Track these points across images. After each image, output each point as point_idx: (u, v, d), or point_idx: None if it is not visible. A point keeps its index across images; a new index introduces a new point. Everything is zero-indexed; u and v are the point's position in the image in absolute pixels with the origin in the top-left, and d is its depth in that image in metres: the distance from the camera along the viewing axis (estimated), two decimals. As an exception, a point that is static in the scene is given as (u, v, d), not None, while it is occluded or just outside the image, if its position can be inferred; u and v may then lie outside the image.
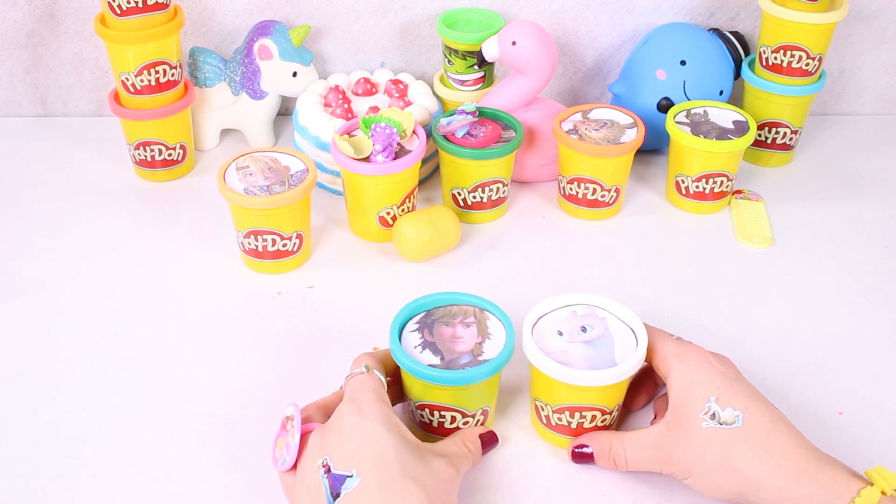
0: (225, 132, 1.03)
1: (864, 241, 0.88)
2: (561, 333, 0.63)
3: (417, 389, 0.62)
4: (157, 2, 0.88)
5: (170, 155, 0.95)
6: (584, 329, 0.63)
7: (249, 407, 0.68)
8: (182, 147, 0.95)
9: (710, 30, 1.00)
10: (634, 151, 0.88)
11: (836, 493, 0.52)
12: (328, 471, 0.53)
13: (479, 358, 0.61)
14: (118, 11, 0.87)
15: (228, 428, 0.66)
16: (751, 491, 0.55)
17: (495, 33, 0.92)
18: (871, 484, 0.52)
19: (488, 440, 0.63)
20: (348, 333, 0.75)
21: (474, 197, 0.88)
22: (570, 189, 0.89)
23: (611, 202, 0.89)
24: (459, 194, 0.88)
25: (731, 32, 1.00)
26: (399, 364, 0.62)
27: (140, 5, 0.87)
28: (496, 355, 0.61)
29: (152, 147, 0.93)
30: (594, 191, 0.88)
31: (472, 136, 0.86)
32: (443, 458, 0.57)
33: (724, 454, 0.55)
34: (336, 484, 0.53)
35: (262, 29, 0.96)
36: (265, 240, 0.80)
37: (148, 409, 0.68)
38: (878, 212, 0.92)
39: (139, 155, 0.94)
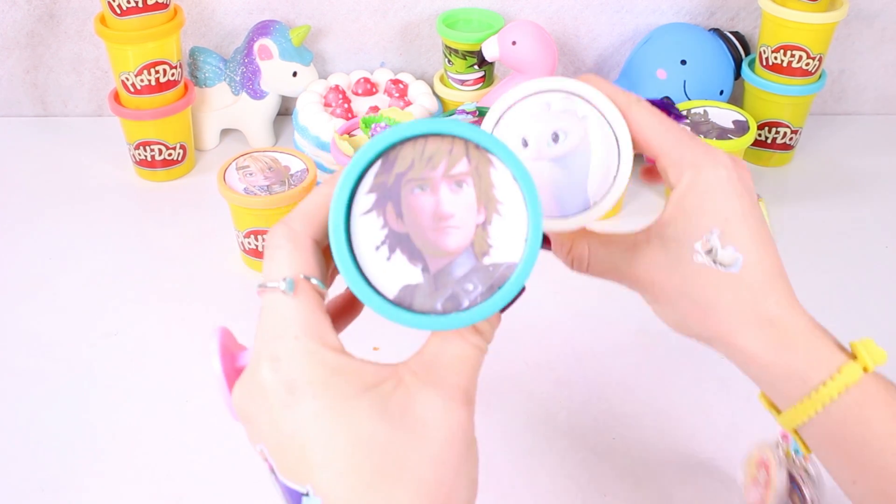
0: (225, 132, 1.03)
1: (864, 241, 0.88)
2: (526, 143, 0.45)
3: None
4: (157, 2, 0.88)
5: (170, 155, 0.95)
6: (555, 137, 0.45)
7: (249, 407, 0.68)
8: (182, 147, 0.95)
9: (710, 30, 1.00)
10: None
11: (814, 367, 0.44)
12: (272, 470, 0.35)
13: (486, 261, 0.36)
14: (118, 11, 0.87)
15: (228, 428, 0.66)
16: (720, 342, 0.46)
17: (495, 33, 0.92)
18: (854, 358, 0.44)
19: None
20: (347, 333, 0.75)
21: (474, 197, 0.88)
22: (570, 189, 0.89)
23: (611, 202, 0.89)
24: (459, 194, 0.88)
25: (731, 32, 1.00)
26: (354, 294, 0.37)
27: (140, 5, 0.87)
28: (518, 257, 0.36)
29: (152, 147, 0.93)
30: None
31: (472, 135, 0.86)
32: (436, 394, 0.35)
33: (705, 296, 0.45)
34: (291, 499, 0.35)
35: (262, 29, 0.96)
36: (265, 240, 0.79)
37: (148, 409, 0.68)
38: (878, 212, 0.92)
39: (139, 155, 0.94)
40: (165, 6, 0.89)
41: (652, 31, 0.98)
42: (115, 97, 0.93)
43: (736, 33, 1.00)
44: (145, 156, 0.94)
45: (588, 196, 0.45)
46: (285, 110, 1.05)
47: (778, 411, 0.46)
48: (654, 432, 0.67)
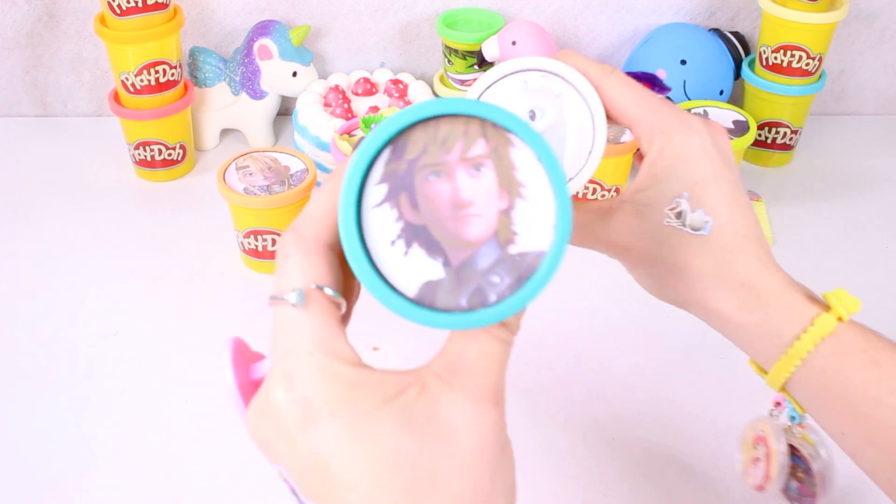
0: (225, 132, 1.03)
1: (864, 241, 0.88)
2: None
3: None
4: (156, 2, 0.88)
5: (170, 155, 0.95)
6: (532, 115, 0.45)
7: (249, 407, 0.68)
8: (182, 147, 0.95)
9: (710, 30, 1.00)
10: (634, 151, 0.88)
11: (788, 322, 0.43)
12: (294, 492, 0.33)
13: (511, 250, 0.33)
14: (118, 11, 0.87)
15: (228, 428, 0.66)
16: (695, 306, 0.45)
17: (495, 33, 0.92)
18: (829, 310, 0.43)
19: None
20: (348, 333, 0.75)
21: (474, 197, 0.88)
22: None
23: (611, 202, 0.89)
24: (459, 194, 0.88)
25: (731, 32, 1.00)
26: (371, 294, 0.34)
27: (140, 5, 0.87)
28: (548, 245, 0.33)
29: (152, 147, 0.93)
30: (594, 191, 0.88)
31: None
32: (462, 397, 0.33)
33: (677, 260, 0.45)
34: None
35: (262, 29, 0.96)
36: (265, 240, 0.79)
37: (148, 409, 0.68)
38: (878, 212, 0.92)
39: (139, 155, 0.94)
40: (165, 6, 0.89)
41: (652, 31, 0.98)
42: (115, 97, 0.93)
43: (736, 33, 1.00)
44: (145, 156, 0.94)
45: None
46: (285, 110, 1.05)
47: (764, 372, 0.46)
48: (654, 432, 0.67)
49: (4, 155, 1.00)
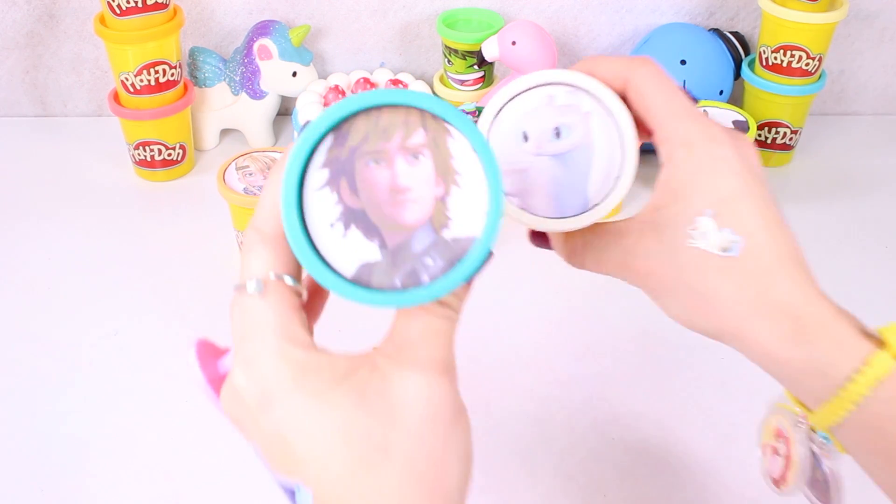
0: (225, 132, 1.03)
1: (864, 241, 0.88)
2: (526, 138, 0.43)
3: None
4: (156, 2, 0.88)
5: (169, 155, 0.95)
6: (557, 133, 0.43)
7: (249, 407, 0.68)
8: (182, 147, 0.95)
9: (710, 30, 1.00)
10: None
11: (838, 360, 0.38)
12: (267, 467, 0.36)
13: (445, 235, 0.35)
14: (118, 11, 0.87)
15: (228, 428, 0.66)
16: (730, 336, 0.41)
17: (495, 33, 0.92)
18: (883, 345, 0.38)
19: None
20: (347, 333, 0.75)
21: (474, 197, 0.88)
22: (570, 189, 0.89)
23: (611, 202, 0.89)
24: (459, 194, 0.88)
25: (731, 32, 1.00)
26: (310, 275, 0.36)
27: (140, 5, 0.87)
28: (479, 231, 0.34)
29: (152, 147, 0.93)
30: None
31: (471, 135, 0.86)
32: (412, 369, 0.34)
33: (705, 286, 0.40)
34: (286, 494, 0.35)
35: (262, 29, 0.96)
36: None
37: (148, 409, 0.68)
38: (878, 212, 0.92)
39: (139, 155, 0.94)
40: (165, 6, 0.89)
41: (652, 31, 0.98)
42: (115, 97, 0.93)
43: (736, 33, 1.00)
44: (145, 156, 0.94)
45: (588, 197, 0.42)
46: (285, 110, 1.05)
47: (808, 410, 0.41)
48: (654, 432, 0.67)
49: (4, 155, 1.00)
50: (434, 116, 0.34)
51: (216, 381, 0.37)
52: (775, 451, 0.59)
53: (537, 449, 0.65)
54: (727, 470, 0.63)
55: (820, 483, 0.58)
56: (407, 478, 0.33)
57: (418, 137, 0.34)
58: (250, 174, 0.80)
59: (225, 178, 0.79)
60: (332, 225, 0.34)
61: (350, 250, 0.34)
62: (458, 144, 0.34)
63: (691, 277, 0.40)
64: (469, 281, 0.36)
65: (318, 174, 0.34)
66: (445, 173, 0.34)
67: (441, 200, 0.34)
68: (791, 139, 0.98)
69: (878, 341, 0.39)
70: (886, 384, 0.37)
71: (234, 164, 0.81)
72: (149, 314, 0.77)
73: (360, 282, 0.34)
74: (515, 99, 0.42)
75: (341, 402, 0.33)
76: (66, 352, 0.73)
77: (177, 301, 0.79)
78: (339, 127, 0.34)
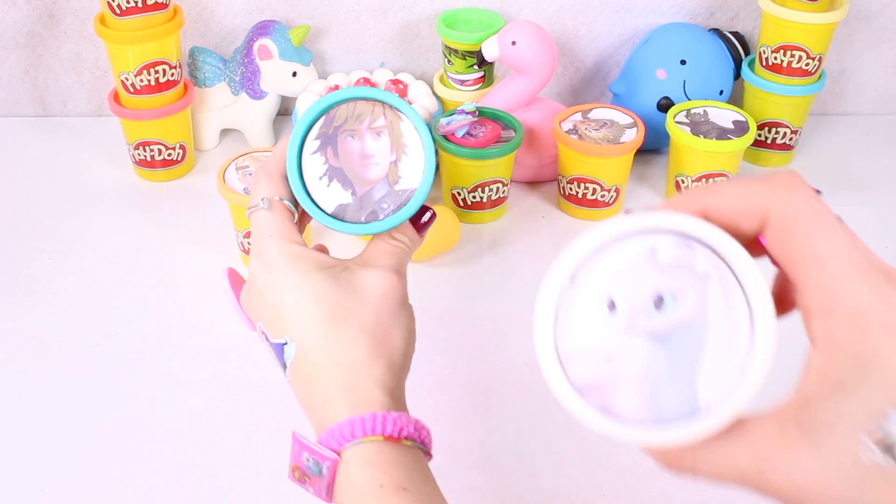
0: (225, 132, 1.03)
1: (864, 241, 0.87)
2: (614, 306, 0.32)
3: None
4: (156, 2, 0.88)
5: (169, 155, 0.95)
6: (659, 303, 0.32)
7: (249, 407, 0.68)
8: (182, 147, 0.95)
9: (710, 30, 1.00)
10: (634, 151, 0.88)
11: None
12: (266, 338, 0.48)
13: (396, 187, 0.50)
14: (118, 11, 0.87)
15: (228, 428, 0.66)
16: None
17: (495, 33, 0.92)
18: None
19: (422, 223, 0.52)
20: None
21: (474, 197, 0.88)
22: (570, 189, 0.89)
23: (611, 202, 0.89)
24: (459, 194, 0.88)
25: (731, 32, 1.00)
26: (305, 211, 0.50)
27: (140, 5, 0.87)
28: (417, 184, 0.49)
29: (152, 147, 0.93)
30: (594, 191, 0.88)
31: (471, 135, 0.86)
32: (372, 269, 0.48)
33: None
34: (278, 354, 0.47)
35: (262, 29, 0.96)
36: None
37: (148, 409, 0.68)
38: (878, 212, 0.92)
39: (139, 155, 0.94)
40: (165, 6, 0.89)
41: (652, 31, 0.98)
42: (115, 97, 0.93)
43: (736, 33, 1.00)
44: (145, 156, 0.94)
45: (698, 396, 0.32)
46: (285, 110, 1.05)
47: None
48: (654, 432, 0.67)
49: (4, 155, 1.00)
50: (392, 107, 0.50)
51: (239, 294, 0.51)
52: None
53: (537, 449, 0.65)
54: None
55: None
56: (361, 332, 0.46)
57: (380, 121, 0.50)
58: (250, 174, 0.80)
59: (225, 178, 0.79)
60: (320, 178, 0.50)
61: (331, 195, 0.50)
62: (406, 126, 0.50)
63: (869, 500, 0.30)
64: (420, 228, 0.51)
65: (312, 143, 0.50)
66: (398, 146, 0.50)
67: (394, 164, 0.50)
68: (791, 139, 0.98)
69: None
70: None
71: (234, 164, 0.81)
72: (149, 314, 0.77)
73: (337, 216, 0.50)
74: (605, 250, 0.32)
75: (320, 280, 0.47)
76: (66, 352, 0.73)
77: (177, 301, 0.79)
78: (328, 111, 0.50)
